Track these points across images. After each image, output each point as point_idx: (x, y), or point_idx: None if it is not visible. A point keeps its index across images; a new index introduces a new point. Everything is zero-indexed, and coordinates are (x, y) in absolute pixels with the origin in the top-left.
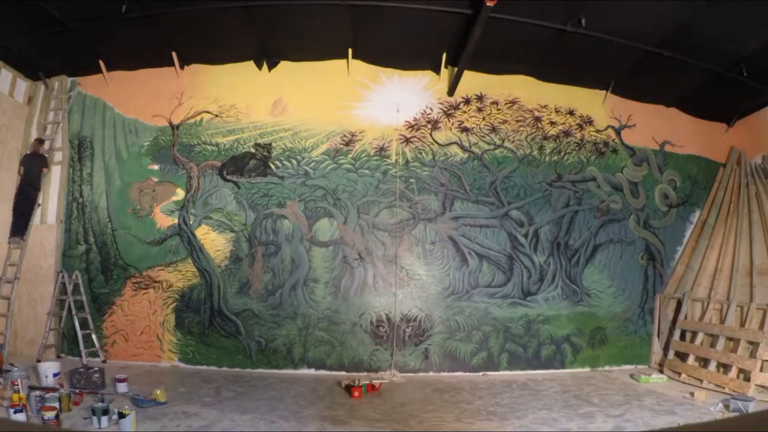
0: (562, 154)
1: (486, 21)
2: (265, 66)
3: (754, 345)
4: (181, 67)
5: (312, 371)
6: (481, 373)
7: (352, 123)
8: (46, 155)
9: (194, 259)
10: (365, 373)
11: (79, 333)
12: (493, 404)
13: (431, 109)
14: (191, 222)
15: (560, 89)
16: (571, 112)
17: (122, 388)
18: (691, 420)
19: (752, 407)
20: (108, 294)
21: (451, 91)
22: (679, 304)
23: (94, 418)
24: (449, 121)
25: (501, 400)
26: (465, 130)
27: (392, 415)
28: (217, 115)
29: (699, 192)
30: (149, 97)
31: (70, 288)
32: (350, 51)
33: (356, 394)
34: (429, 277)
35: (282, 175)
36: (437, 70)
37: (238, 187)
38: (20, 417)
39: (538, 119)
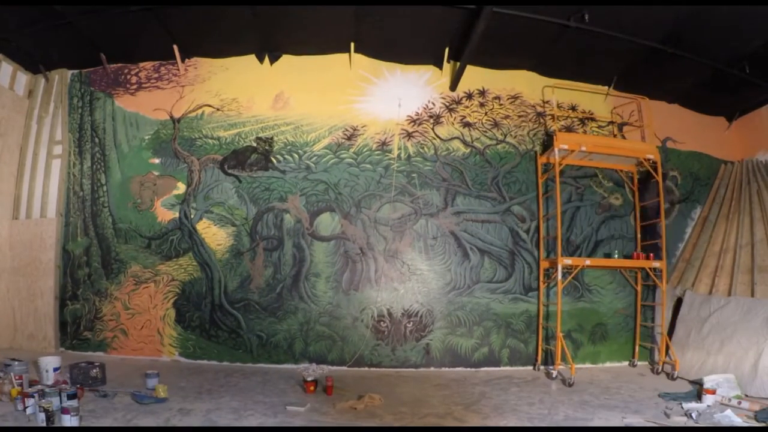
0: None
1: (489, 15)
2: (266, 59)
3: None
4: (182, 60)
5: (313, 366)
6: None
7: (354, 117)
8: None
9: (195, 253)
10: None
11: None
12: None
13: (433, 104)
14: (192, 216)
15: (563, 84)
16: (573, 108)
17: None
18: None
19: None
20: (108, 288)
21: (454, 86)
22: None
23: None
24: (451, 116)
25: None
26: (467, 125)
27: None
28: (218, 109)
29: (700, 188)
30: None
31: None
32: (352, 45)
33: (311, 389)
34: (430, 272)
35: (283, 169)
36: (439, 65)
37: (240, 181)
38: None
39: (540, 114)
